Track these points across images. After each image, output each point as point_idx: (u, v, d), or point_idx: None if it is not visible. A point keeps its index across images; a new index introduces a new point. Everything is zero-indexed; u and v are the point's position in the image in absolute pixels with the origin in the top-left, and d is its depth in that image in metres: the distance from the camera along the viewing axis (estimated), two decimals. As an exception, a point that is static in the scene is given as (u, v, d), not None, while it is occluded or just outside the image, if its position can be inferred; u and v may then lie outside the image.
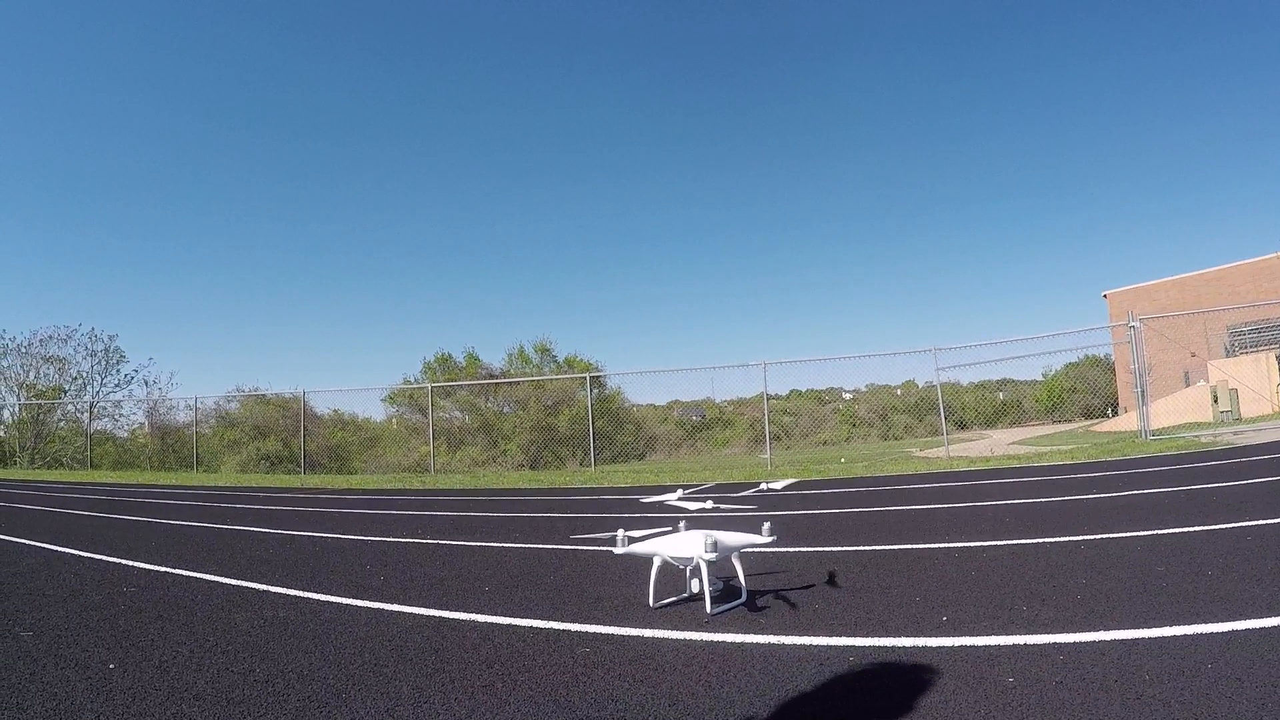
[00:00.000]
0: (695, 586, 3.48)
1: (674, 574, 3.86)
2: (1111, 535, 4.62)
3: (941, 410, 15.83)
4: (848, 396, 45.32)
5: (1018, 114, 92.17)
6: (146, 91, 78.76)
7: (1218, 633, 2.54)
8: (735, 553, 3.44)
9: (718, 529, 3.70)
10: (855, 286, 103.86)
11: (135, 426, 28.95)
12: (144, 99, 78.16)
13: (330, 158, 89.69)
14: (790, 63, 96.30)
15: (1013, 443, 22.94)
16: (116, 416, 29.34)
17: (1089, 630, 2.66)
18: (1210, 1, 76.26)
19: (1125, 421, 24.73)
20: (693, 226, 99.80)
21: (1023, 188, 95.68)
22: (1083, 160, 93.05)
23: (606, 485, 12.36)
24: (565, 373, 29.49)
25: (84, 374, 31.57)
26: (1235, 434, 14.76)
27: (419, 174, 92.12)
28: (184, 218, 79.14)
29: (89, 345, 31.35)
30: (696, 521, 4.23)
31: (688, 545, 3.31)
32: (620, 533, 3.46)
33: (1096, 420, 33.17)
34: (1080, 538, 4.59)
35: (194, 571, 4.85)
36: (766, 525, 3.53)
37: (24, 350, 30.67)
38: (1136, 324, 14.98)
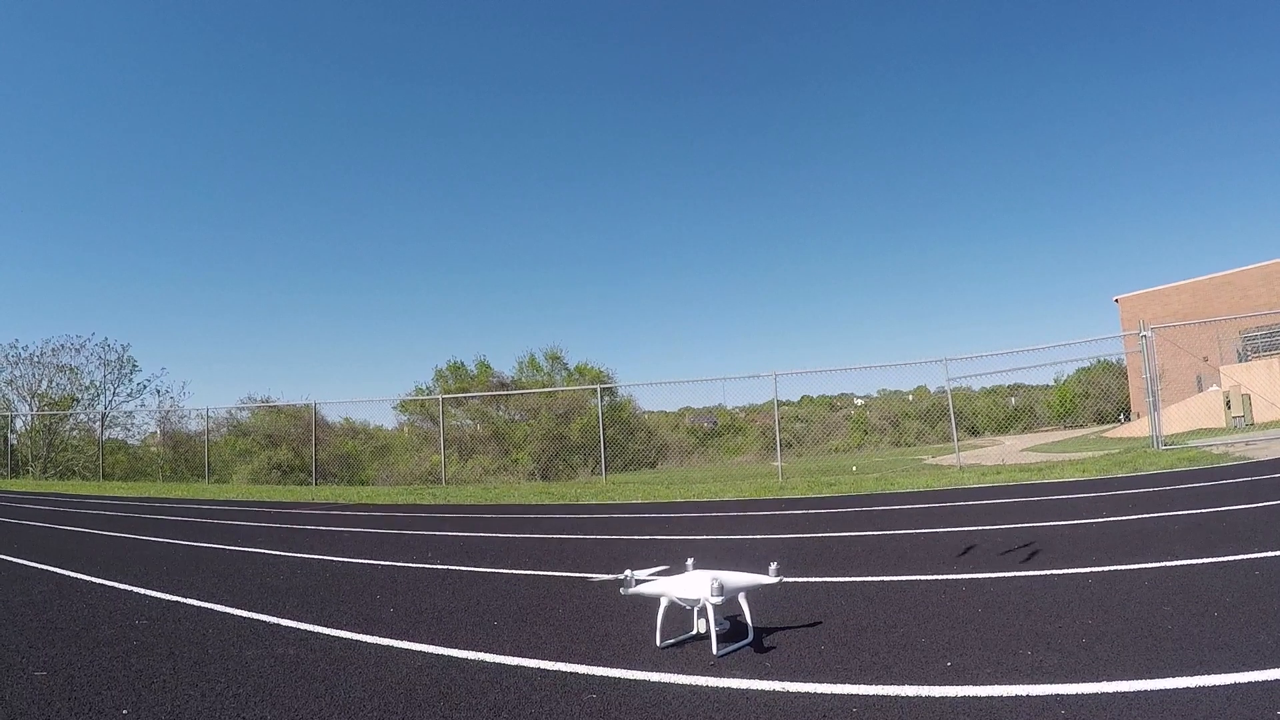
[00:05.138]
0: (701, 626, 3.50)
1: (681, 610, 3.88)
2: (1119, 568, 4.61)
3: (953, 419, 15.79)
4: (859, 403, 45.17)
5: (1026, 119, 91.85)
6: (158, 102, 79.50)
7: (1219, 685, 2.54)
8: (742, 592, 3.46)
9: (724, 567, 3.72)
10: (866, 292, 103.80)
11: (148, 434, 29.17)
12: (156, 109, 78.90)
13: (340, 167, 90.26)
14: (797, 68, 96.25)
15: (1025, 449, 22.88)
16: (129, 426, 29.62)
17: (1091, 680, 2.67)
18: (1218, 6, 75.80)
19: (1138, 427, 24.58)
20: (703, 234, 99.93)
21: (1033, 193, 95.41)
22: (1093, 165, 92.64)
23: (619, 502, 12.38)
24: (576, 380, 29.54)
25: (96, 383, 31.83)
26: (1247, 444, 14.64)
27: (430, 183, 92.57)
28: (196, 229, 79.93)
29: (102, 355, 31.62)
30: (703, 560, 4.26)
31: (694, 586, 3.34)
32: (627, 573, 3.49)
33: (1109, 425, 32.95)
34: (1088, 570, 4.58)
35: (205, 601, 4.91)
36: (774, 566, 3.55)
37: (36, 360, 30.98)
38: (1148, 333, 14.90)
